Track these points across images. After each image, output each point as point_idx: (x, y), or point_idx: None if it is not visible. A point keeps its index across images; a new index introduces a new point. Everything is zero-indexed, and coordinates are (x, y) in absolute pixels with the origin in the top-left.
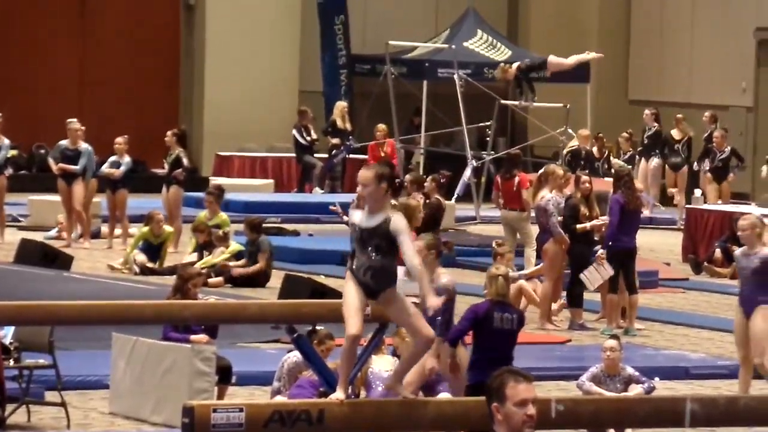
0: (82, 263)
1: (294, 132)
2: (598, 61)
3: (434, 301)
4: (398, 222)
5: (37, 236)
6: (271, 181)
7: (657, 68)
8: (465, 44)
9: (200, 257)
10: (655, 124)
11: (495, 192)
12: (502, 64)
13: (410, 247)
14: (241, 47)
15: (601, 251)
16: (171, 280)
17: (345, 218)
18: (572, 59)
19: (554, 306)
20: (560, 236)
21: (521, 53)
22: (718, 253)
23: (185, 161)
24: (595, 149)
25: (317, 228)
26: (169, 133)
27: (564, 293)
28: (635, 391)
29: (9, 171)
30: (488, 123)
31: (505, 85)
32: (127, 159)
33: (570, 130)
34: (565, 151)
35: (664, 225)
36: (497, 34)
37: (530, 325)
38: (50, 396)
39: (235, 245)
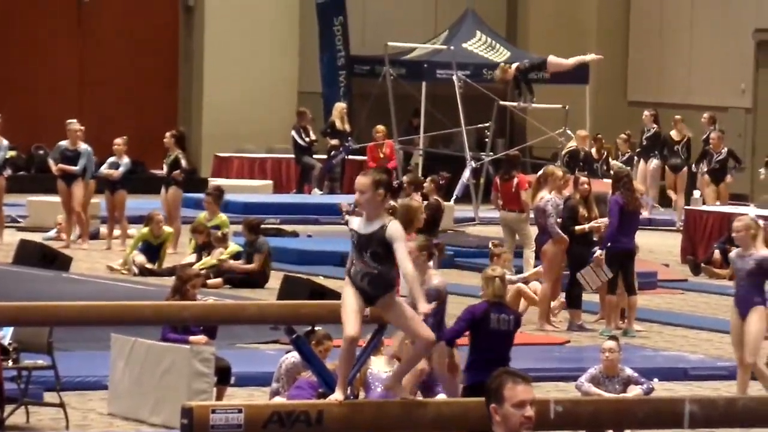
0: (81, 264)
1: (293, 133)
2: (597, 63)
3: (425, 307)
4: (395, 229)
5: (36, 237)
6: (270, 182)
7: (656, 69)
8: (464, 45)
9: (199, 258)
10: (654, 126)
11: (494, 193)
12: (502, 64)
13: (405, 254)
14: (240, 48)
15: (598, 252)
16: (170, 281)
17: (346, 217)
18: (572, 60)
19: (553, 303)
20: (559, 236)
21: (520, 54)
22: (716, 254)
23: (184, 162)
24: (594, 150)
25: (316, 229)
26: (167, 134)
27: (563, 294)
28: (634, 392)
29: (8, 172)
30: (487, 124)
31: (504, 85)
32: (126, 160)
33: (569, 131)
34: (563, 152)
35: (663, 226)
36: (496, 35)
37: (529, 326)
38: (49, 397)
39: (233, 246)
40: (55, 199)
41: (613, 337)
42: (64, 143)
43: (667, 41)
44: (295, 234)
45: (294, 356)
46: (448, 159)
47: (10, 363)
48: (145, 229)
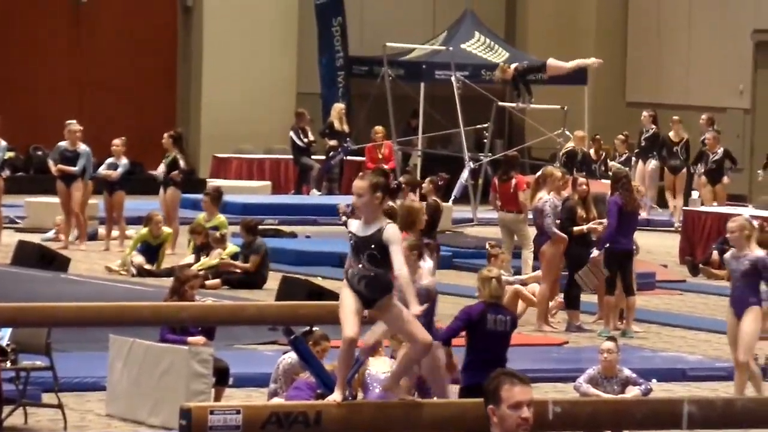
0: (80, 265)
1: (291, 134)
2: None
3: (417, 309)
4: (392, 232)
5: (35, 238)
6: (269, 182)
7: (654, 70)
8: (462, 46)
9: (197, 259)
10: (653, 126)
11: (492, 194)
12: (501, 64)
13: (400, 257)
14: (238, 49)
15: (596, 253)
16: (168, 281)
17: (344, 218)
18: (572, 63)
19: (551, 304)
20: (557, 236)
21: (519, 55)
22: (715, 255)
23: (182, 163)
24: (592, 151)
25: (314, 230)
26: (165, 135)
27: (561, 294)
28: (632, 393)
29: (6, 173)
30: (485, 125)
31: (503, 86)
32: (124, 161)
33: (567, 132)
34: (561, 153)
35: (662, 227)
36: (495, 36)
37: (527, 326)
38: (47, 398)
39: (232, 247)
40: (54, 200)
41: (612, 338)
42: (63, 144)
43: (665, 42)
44: (293, 235)
45: (291, 357)
46: (446, 160)
47: (9, 364)
48: (145, 230)
